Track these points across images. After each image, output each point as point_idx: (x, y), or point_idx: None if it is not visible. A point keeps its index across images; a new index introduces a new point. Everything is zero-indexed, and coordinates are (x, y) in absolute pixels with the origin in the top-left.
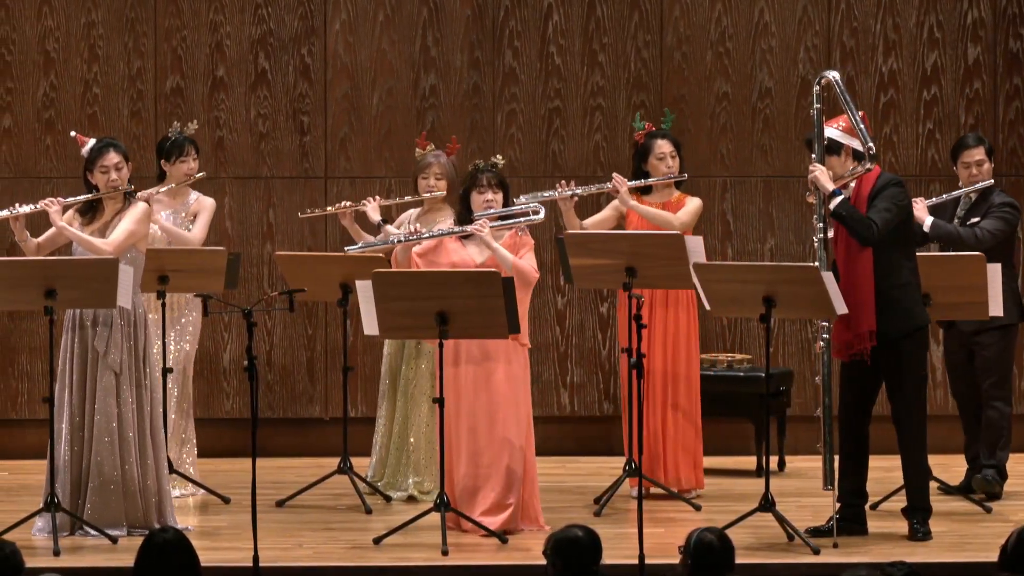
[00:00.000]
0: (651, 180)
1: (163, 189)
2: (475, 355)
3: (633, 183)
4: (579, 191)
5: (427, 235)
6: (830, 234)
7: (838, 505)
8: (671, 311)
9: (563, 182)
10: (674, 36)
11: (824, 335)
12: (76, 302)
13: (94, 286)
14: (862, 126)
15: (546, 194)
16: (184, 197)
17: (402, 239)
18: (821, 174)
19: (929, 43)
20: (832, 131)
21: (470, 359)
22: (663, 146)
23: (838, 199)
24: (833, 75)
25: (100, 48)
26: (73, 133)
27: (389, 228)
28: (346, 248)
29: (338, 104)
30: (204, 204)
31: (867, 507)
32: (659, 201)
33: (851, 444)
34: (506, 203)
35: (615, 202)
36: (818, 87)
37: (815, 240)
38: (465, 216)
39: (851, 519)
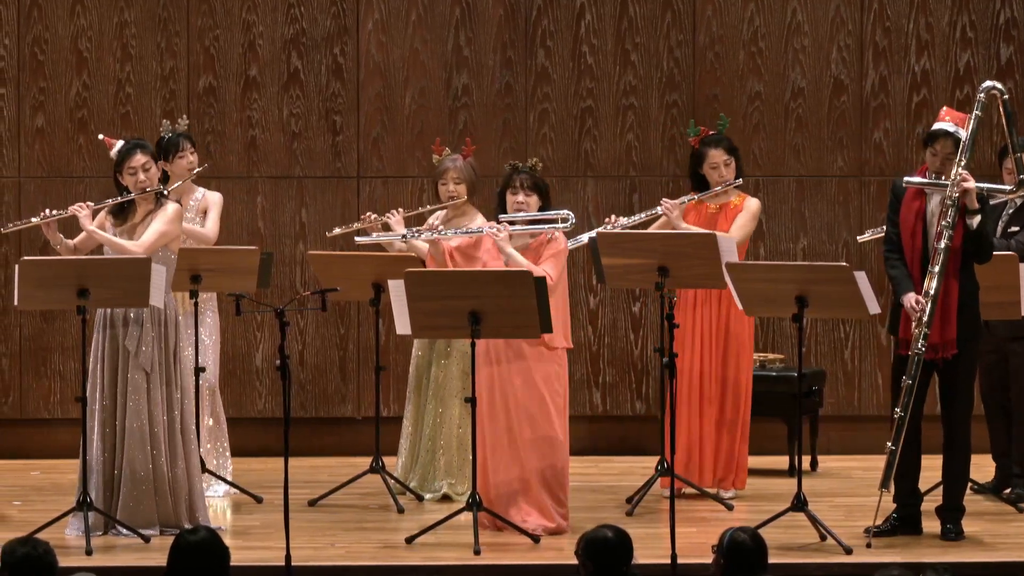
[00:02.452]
0: (701, 195)
1: (171, 189)
2: (510, 354)
3: (681, 200)
4: (626, 221)
5: (444, 233)
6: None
7: (895, 505)
8: (723, 309)
9: (611, 217)
10: (707, 35)
11: (921, 341)
12: (109, 301)
13: (127, 285)
14: (1021, 154)
15: (593, 233)
16: (190, 194)
17: (415, 235)
18: (974, 189)
19: (962, 43)
20: (962, 131)
21: (505, 358)
22: (716, 156)
23: (979, 217)
24: (999, 90)
25: (133, 47)
26: (101, 136)
27: (416, 243)
28: (357, 239)
29: (371, 104)
30: (212, 200)
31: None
32: (716, 203)
33: (910, 444)
34: (544, 205)
35: (668, 204)
36: (983, 95)
37: (940, 246)
38: (499, 215)
39: (907, 520)
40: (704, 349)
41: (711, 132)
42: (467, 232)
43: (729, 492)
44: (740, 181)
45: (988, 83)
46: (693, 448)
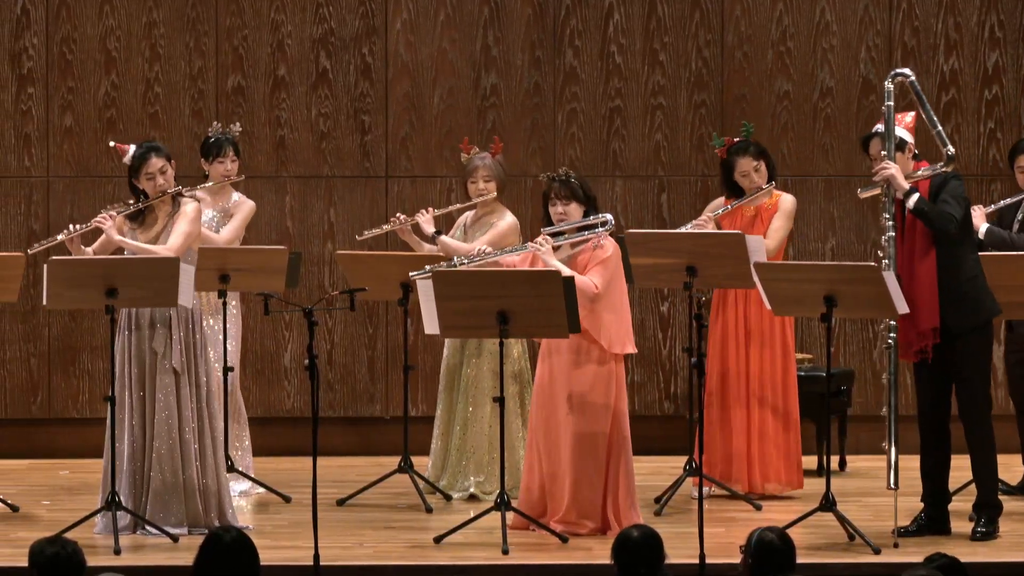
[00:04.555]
0: (733, 204)
1: (200, 189)
2: (558, 351)
3: (713, 212)
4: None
5: (490, 257)
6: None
7: (923, 506)
8: (759, 307)
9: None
10: (735, 35)
11: (891, 335)
12: (137, 301)
13: (155, 285)
14: (940, 128)
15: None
16: (226, 197)
17: (463, 263)
18: (897, 172)
19: (990, 42)
20: (898, 129)
21: (552, 353)
22: (744, 164)
23: (915, 196)
24: (909, 74)
25: (161, 47)
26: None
27: (444, 239)
28: (411, 274)
29: (399, 103)
30: (241, 206)
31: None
32: (752, 206)
33: (932, 445)
34: (589, 209)
35: (702, 218)
36: (891, 84)
37: (884, 238)
38: (546, 226)
39: (935, 520)
40: (739, 348)
41: (736, 140)
42: (512, 251)
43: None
44: (772, 185)
45: (893, 71)
46: (728, 447)
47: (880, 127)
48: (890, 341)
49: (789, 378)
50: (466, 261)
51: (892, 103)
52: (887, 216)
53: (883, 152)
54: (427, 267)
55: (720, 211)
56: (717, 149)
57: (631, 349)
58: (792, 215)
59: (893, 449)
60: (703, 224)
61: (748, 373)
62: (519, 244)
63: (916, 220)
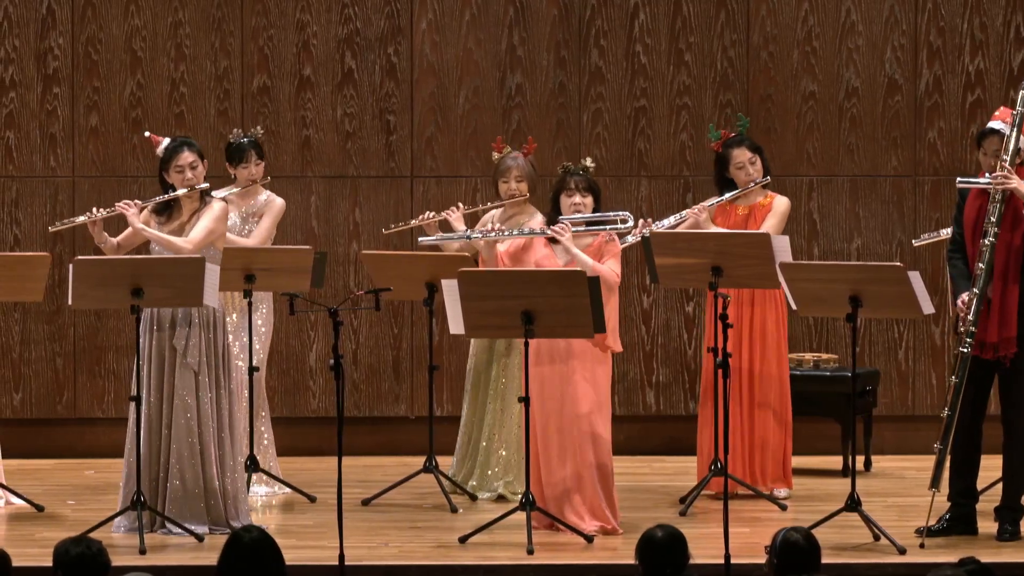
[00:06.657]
0: (730, 195)
1: (226, 192)
2: (562, 354)
3: (709, 202)
4: (656, 226)
5: (506, 233)
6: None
7: (948, 505)
8: (758, 309)
9: (645, 220)
10: (760, 35)
11: (968, 339)
12: (163, 301)
13: (181, 285)
14: None
15: (644, 232)
16: (253, 197)
17: (479, 236)
18: (1020, 184)
19: (1016, 42)
20: (1005, 128)
21: (557, 358)
22: (739, 155)
23: None
24: None
25: (187, 47)
26: (147, 133)
27: (476, 241)
28: (420, 239)
29: (424, 103)
30: (270, 206)
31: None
32: (746, 205)
33: (967, 443)
34: (597, 207)
35: (695, 208)
36: None
37: (985, 243)
38: (554, 218)
39: (961, 519)
40: (742, 348)
41: (732, 134)
42: (530, 233)
43: (783, 492)
44: (768, 179)
45: None
46: (743, 448)
47: (997, 124)
48: (967, 346)
49: (783, 376)
50: (479, 235)
51: (1022, 109)
52: (995, 220)
53: (1004, 158)
54: (439, 233)
55: (715, 202)
56: (713, 143)
57: (619, 347)
58: (785, 217)
59: (943, 452)
60: (697, 214)
61: (741, 371)
62: (537, 229)
63: (1018, 230)
